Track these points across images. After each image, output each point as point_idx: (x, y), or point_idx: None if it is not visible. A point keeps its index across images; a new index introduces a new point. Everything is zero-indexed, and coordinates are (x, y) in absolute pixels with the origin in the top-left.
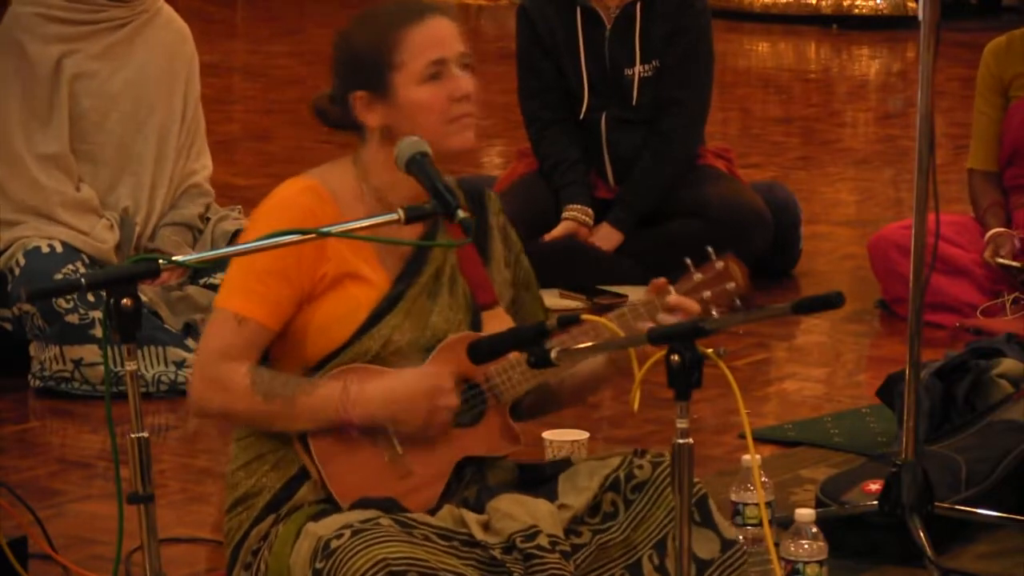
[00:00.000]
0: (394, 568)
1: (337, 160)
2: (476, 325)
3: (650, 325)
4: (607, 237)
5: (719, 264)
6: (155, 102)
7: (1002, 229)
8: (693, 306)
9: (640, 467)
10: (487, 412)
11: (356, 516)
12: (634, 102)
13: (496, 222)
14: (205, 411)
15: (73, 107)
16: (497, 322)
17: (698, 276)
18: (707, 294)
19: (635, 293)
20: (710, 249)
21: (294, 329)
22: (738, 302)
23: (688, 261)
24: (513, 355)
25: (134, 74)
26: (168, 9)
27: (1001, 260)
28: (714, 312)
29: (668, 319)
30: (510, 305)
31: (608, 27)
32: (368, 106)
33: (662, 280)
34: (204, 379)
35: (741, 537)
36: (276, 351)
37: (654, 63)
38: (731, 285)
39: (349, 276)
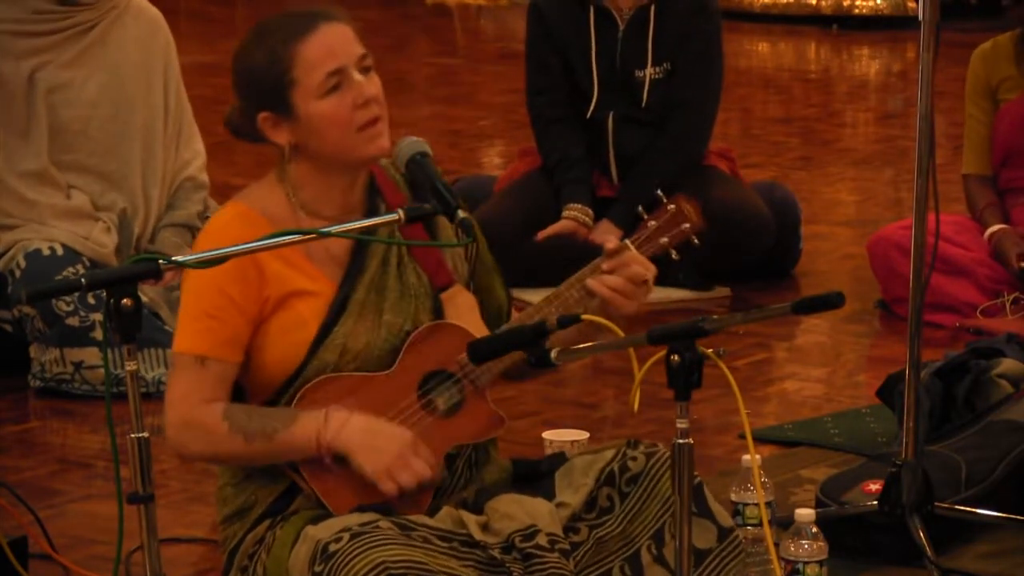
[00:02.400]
0: (393, 571)
1: (264, 178)
2: (437, 309)
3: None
4: (608, 234)
5: (671, 207)
6: (135, 101)
7: (1004, 226)
8: (630, 269)
9: (634, 459)
10: (466, 399)
11: (355, 519)
12: (643, 103)
13: None
14: (186, 456)
15: (53, 119)
16: (458, 301)
17: (652, 223)
18: (664, 239)
19: None
20: (659, 192)
21: (252, 356)
22: (695, 240)
23: (640, 209)
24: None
25: (109, 77)
26: (137, 0)
27: None
28: (674, 255)
29: (610, 279)
30: (468, 279)
31: (621, 28)
32: (275, 126)
33: (613, 242)
34: (180, 425)
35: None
36: (241, 379)
37: (665, 65)
38: (686, 225)
39: (292, 295)
